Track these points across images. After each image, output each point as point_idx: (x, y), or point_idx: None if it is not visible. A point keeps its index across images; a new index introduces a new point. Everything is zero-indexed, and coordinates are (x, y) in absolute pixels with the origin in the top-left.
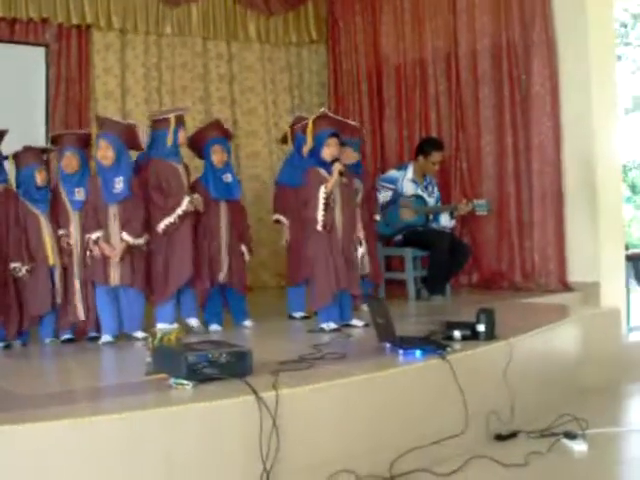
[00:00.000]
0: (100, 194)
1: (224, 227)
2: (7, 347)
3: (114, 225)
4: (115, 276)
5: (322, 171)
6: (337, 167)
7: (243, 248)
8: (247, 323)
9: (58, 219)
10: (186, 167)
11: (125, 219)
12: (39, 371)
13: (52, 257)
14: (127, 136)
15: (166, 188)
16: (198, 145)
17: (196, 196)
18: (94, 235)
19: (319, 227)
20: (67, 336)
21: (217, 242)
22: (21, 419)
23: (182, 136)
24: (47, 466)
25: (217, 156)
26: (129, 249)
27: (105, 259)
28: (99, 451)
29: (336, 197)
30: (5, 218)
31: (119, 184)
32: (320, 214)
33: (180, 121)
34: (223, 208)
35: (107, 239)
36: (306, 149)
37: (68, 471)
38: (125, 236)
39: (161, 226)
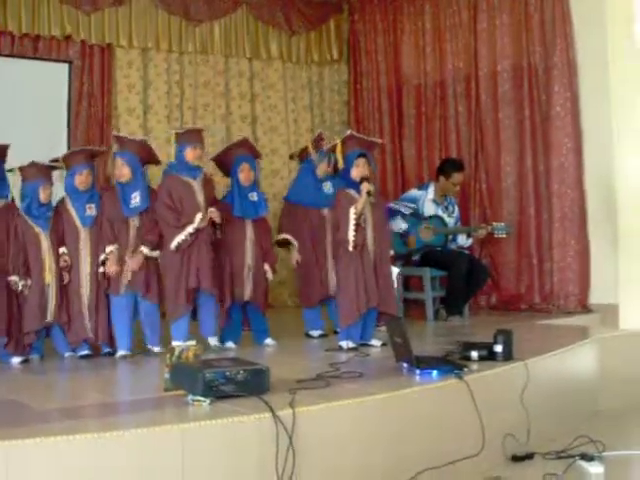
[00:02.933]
0: (118, 208)
1: (248, 245)
2: (25, 362)
3: (133, 237)
4: (125, 283)
5: (352, 192)
6: (366, 187)
7: (266, 267)
8: (268, 341)
9: (61, 236)
10: (208, 182)
11: (144, 231)
12: (57, 386)
13: (48, 275)
14: (143, 152)
15: (178, 205)
16: (225, 163)
17: (212, 209)
18: (107, 249)
19: (350, 247)
20: (85, 352)
21: (241, 260)
22: (39, 433)
23: (190, 154)
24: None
25: (244, 174)
26: (145, 261)
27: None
28: (116, 466)
29: (367, 217)
30: (5, 233)
31: (135, 199)
32: (351, 234)
33: (187, 139)
34: (248, 226)
35: (123, 252)
36: (321, 168)
37: None
38: (143, 248)
39: (174, 244)
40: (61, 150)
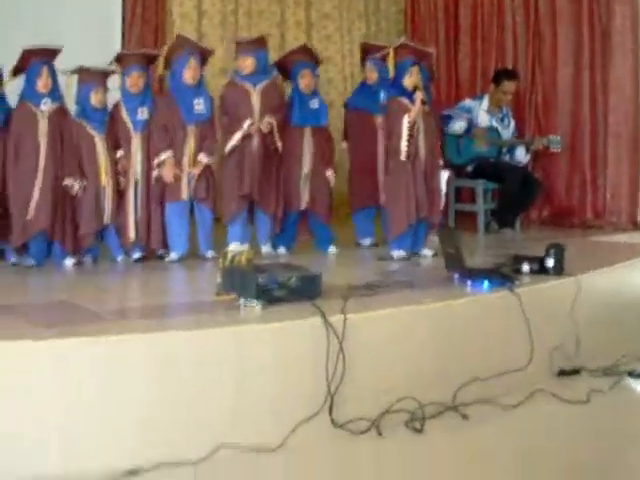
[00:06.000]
0: (173, 114)
1: (307, 154)
2: (78, 264)
3: (191, 144)
4: (187, 191)
5: (404, 100)
6: (419, 96)
7: (328, 173)
8: (331, 249)
9: (116, 139)
10: (275, 87)
11: (201, 139)
12: (110, 288)
13: (104, 178)
14: (204, 59)
15: (233, 111)
16: (286, 68)
17: (267, 119)
18: (163, 155)
19: (403, 157)
20: (138, 255)
21: (297, 169)
22: (95, 333)
23: (241, 63)
24: (121, 378)
25: (305, 80)
26: (205, 167)
27: (176, 175)
28: (169, 365)
29: (419, 126)
30: (59, 137)
31: (199, 105)
32: (404, 144)
33: (238, 49)
34: (307, 134)
35: (179, 159)
36: (369, 75)
37: (140, 382)
38: (202, 156)
39: (227, 148)
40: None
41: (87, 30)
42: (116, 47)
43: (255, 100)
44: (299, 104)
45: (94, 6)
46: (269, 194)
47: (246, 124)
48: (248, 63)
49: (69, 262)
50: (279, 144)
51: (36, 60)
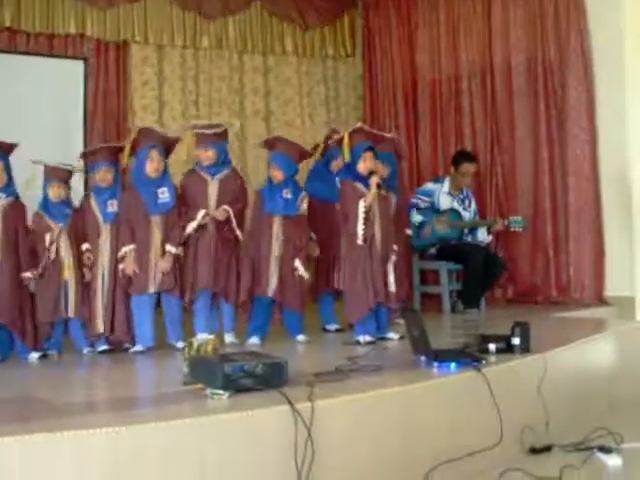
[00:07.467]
0: (137, 206)
1: (275, 242)
2: (43, 357)
3: (157, 235)
4: (154, 283)
5: (359, 185)
6: (374, 180)
7: (296, 264)
8: (300, 338)
9: (85, 232)
10: (234, 178)
11: (167, 230)
12: (75, 381)
13: (67, 271)
14: (168, 148)
15: (191, 200)
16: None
17: (223, 207)
18: (125, 249)
19: (360, 241)
20: (104, 347)
21: (265, 256)
22: (58, 427)
23: (201, 155)
24: (84, 474)
25: (272, 172)
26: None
27: (143, 267)
28: (135, 459)
29: (375, 210)
30: (15, 231)
31: (163, 194)
32: (360, 228)
33: (197, 142)
34: (277, 223)
35: (146, 251)
36: (336, 163)
37: (107, 476)
38: (169, 247)
39: (182, 239)
40: (77, 147)
41: (49, 123)
42: (79, 138)
43: (212, 190)
44: (269, 193)
45: (56, 98)
46: (229, 283)
47: (200, 214)
48: (209, 154)
49: (34, 356)
50: (238, 232)
51: None
